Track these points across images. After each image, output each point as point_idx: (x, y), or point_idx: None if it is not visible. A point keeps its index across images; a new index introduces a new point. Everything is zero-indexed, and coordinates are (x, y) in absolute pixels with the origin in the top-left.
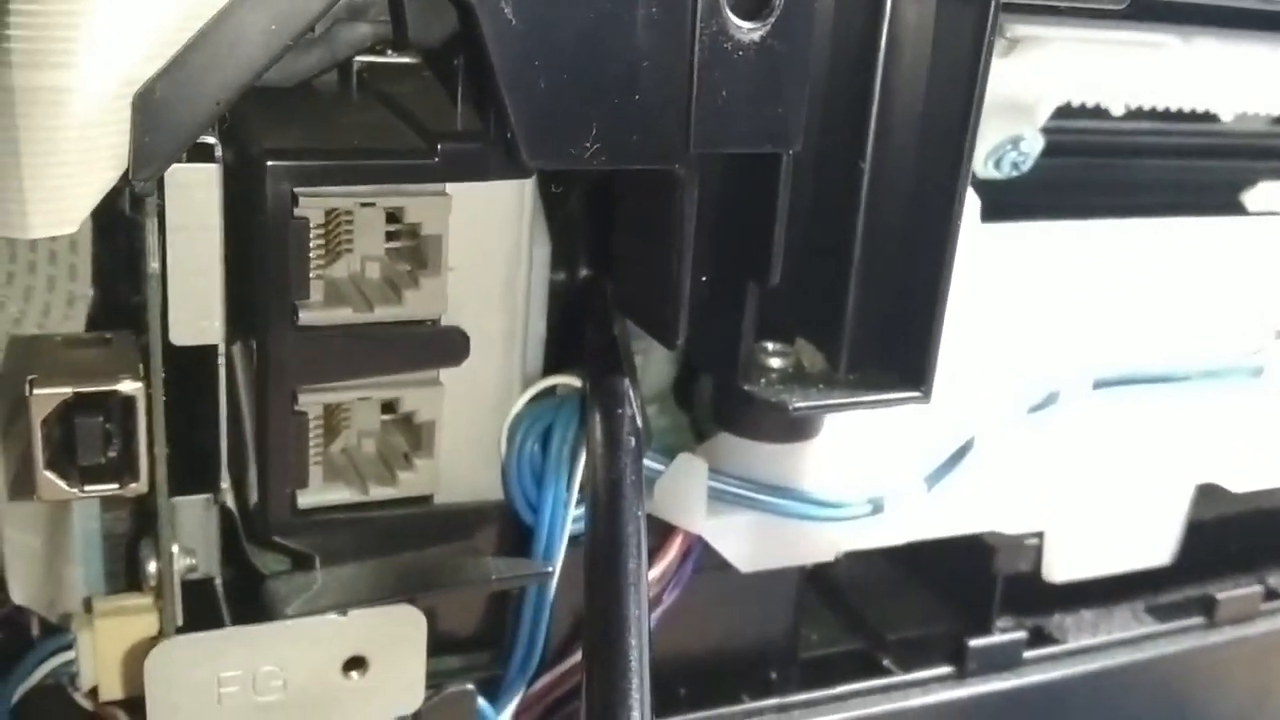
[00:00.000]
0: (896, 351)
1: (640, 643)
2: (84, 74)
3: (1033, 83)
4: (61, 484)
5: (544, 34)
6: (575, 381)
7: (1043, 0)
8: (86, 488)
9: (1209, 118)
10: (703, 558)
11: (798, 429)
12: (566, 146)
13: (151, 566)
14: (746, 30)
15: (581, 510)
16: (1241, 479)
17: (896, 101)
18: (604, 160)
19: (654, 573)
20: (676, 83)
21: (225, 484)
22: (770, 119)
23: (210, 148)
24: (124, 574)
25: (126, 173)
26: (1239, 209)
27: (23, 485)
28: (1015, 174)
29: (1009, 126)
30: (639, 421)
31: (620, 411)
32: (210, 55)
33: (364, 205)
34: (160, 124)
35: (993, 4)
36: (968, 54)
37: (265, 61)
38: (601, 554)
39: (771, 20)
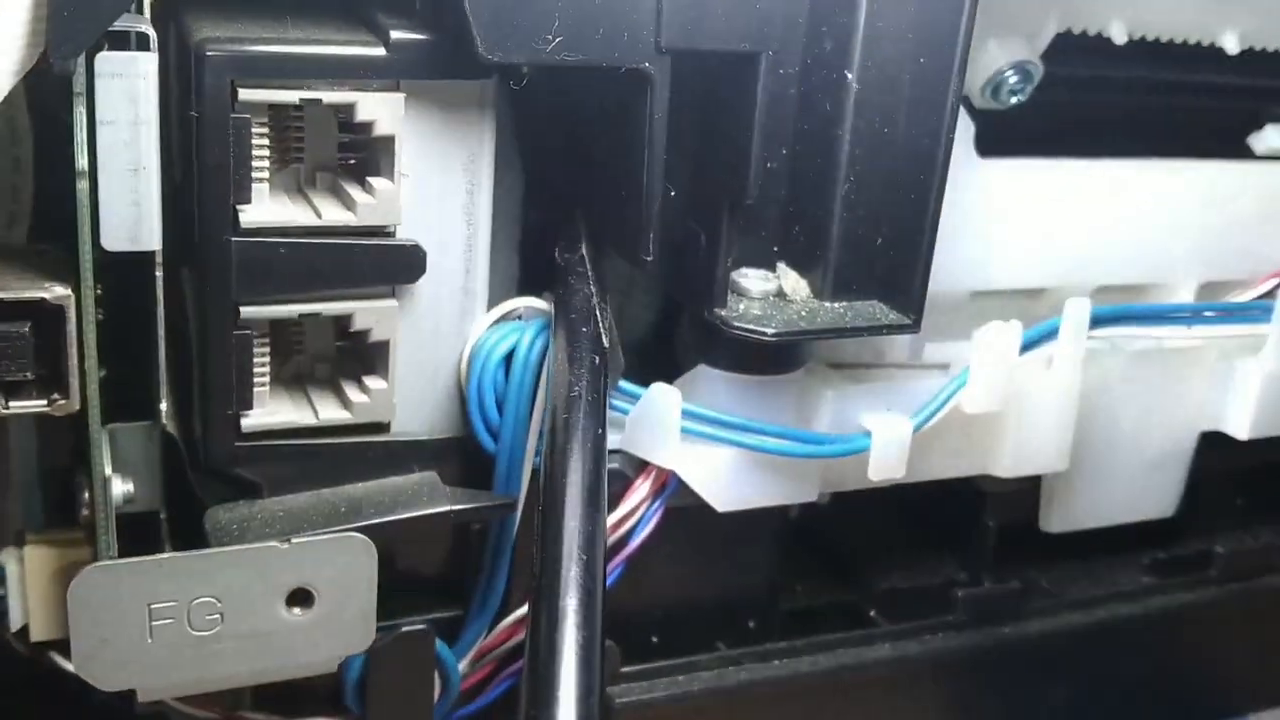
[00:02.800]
0: (885, 278)
1: (592, 558)
2: None
3: (1033, 7)
4: None
5: None
6: (541, 304)
7: None
8: (11, 404)
9: (1214, 51)
10: (677, 497)
11: (778, 360)
12: (526, 40)
13: (85, 495)
14: None
15: None
16: (1247, 427)
17: (887, 6)
18: (567, 56)
19: (624, 509)
20: None
21: (166, 408)
22: (748, 14)
23: (146, 36)
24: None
25: (46, 52)
26: (1245, 151)
27: None
28: (1014, 102)
29: (1007, 53)
30: (605, 340)
31: (584, 329)
32: None
33: (309, 102)
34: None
35: None
36: None
37: None
38: (555, 469)
39: None
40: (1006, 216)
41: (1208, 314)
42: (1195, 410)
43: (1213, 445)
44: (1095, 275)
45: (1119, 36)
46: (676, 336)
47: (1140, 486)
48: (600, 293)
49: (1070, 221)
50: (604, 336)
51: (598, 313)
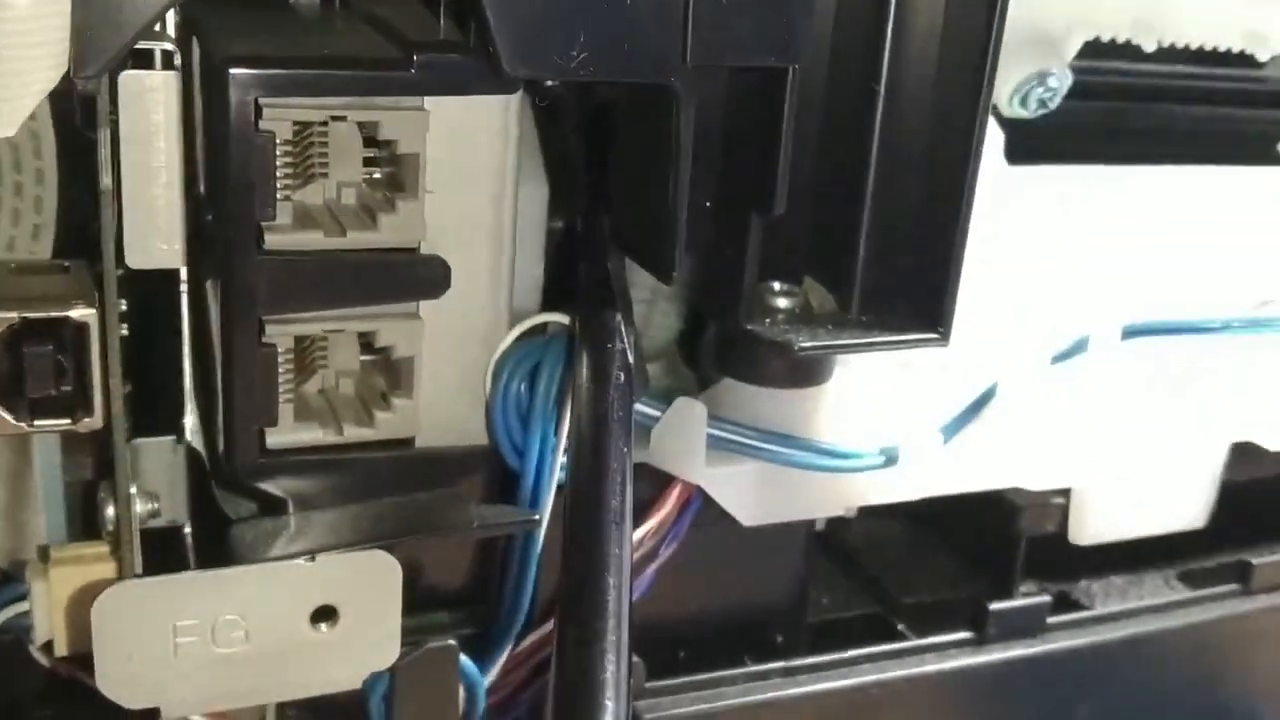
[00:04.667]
0: (913, 291)
1: (620, 582)
2: None
3: (1061, 14)
4: (9, 418)
5: None
6: (565, 319)
7: None
8: (36, 422)
9: (1245, 59)
10: (703, 511)
11: (805, 373)
12: (551, 55)
13: (110, 511)
14: None
15: None
16: (1279, 437)
17: (913, 17)
18: (592, 71)
19: (649, 525)
20: None
21: (191, 423)
22: (774, 28)
23: (170, 54)
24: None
25: (69, 73)
26: (1274, 158)
27: None
28: (1042, 112)
29: (1036, 61)
30: (630, 358)
31: (609, 346)
32: None
33: (335, 119)
34: (104, 15)
35: None
36: None
37: None
38: (582, 491)
39: None
40: (1039, 224)
41: (1237, 324)
42: (1226, 421)
43: (1244, 456)
44: (1129, 281)
45: (1148, 44)
46: (700, 347)
47: (1171, 497)
48: (625, 307)
49: (1106, 230)
50: (629, 354)
51: (622, 329)
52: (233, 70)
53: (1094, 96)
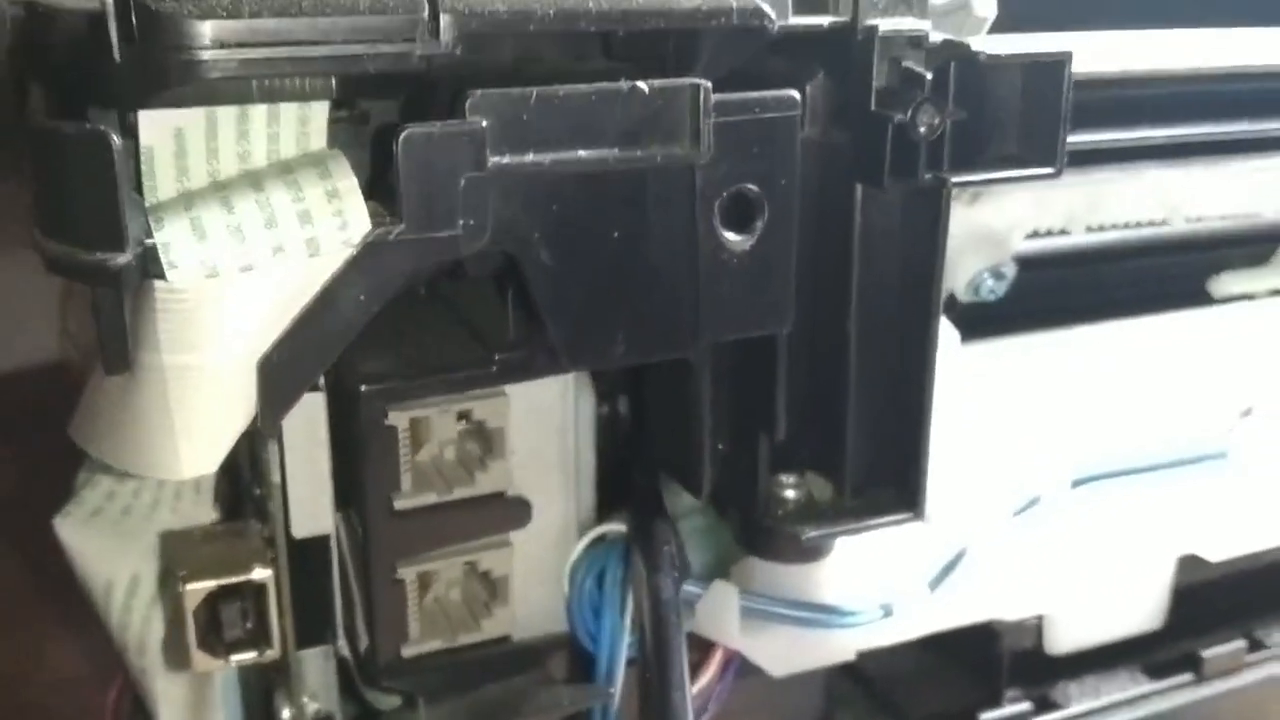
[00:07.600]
0: (892, 478)
1: None
2: (216, 352)
3: (998, 221)
4: (211, 659)
5: (574, 266)
6: (621, 527)
7: (986, 176)
8: (231, 659)
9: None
10: (740, 666)
11: (814, 550)
12: (599, 350)
13: (285, 714)
14: (738, 242)
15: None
16: (1216, 549)
17: (874, 275)
18: (631, 357)
19: (700, 684)
20: (685, 289)
21: (341, 639)
22: (763, 308)
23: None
24: (258, 717)
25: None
26: (1205, 297)
27: (175, 655)
28: (993, 298)
29: (984, 258)
30: (675, 559)
31: (663, 549)
32: (315, 327)
33: (440, 412)
34: (279, 383)
35: (944, 197)
36: (928, 235)
37: (360, 324)
38: (652, 682)
39: (757, 232)
40: (992, 397)
41: (1166, 464)
42: (1171, 539)
43: (1189, 565)
44: (1075, 437)
45: (1078, 231)
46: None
47: (1130, 605)
48: (668, 514)
49: (1049, 389)
50: (675, 555)
51: (668, 535)
52: (363, 388)
53: (1035, 268)
